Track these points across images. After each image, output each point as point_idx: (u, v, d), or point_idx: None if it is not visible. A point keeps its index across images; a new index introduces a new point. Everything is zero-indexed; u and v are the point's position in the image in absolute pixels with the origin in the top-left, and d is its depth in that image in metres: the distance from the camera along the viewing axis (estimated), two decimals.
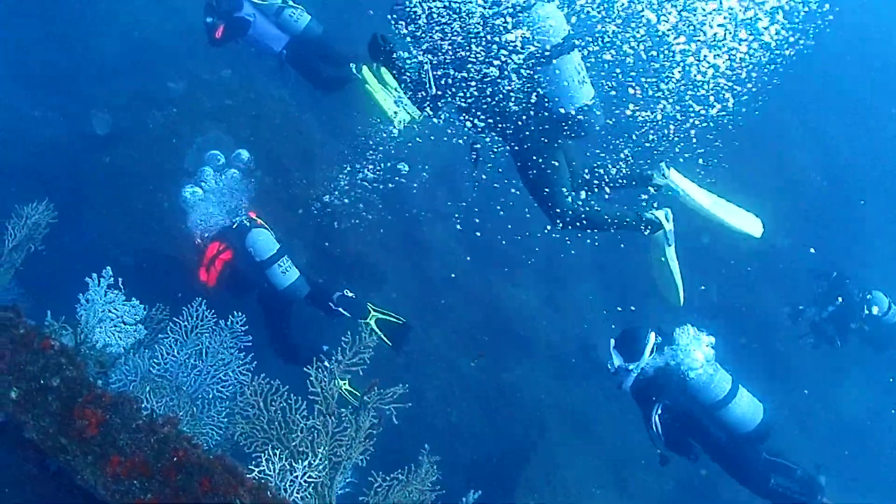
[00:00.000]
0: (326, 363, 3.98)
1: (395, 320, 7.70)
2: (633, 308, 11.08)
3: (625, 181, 6.08)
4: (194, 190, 7.94)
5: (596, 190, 6.04)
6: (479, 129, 5.46)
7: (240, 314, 4.43)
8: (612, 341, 6.40)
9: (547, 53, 5.01)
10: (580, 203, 5.60)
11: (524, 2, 4.91)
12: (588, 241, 11.23)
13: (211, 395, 4.07)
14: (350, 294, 7.77)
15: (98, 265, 9.56)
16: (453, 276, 11.40)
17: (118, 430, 3.61)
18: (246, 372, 4.24)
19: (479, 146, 5.63)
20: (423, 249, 11.45)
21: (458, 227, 11.76)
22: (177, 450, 3.40)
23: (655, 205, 6.18)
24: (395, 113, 8.99)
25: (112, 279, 4.16)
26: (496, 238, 11.72)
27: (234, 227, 7.59)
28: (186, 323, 4.33)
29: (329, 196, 10.17)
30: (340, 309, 7.58)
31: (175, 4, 11.86)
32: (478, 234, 11.23)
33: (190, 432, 3.79)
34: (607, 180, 5.99)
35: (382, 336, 7.26)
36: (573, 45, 5.06)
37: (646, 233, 6.06)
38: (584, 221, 5.58)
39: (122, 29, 11.75)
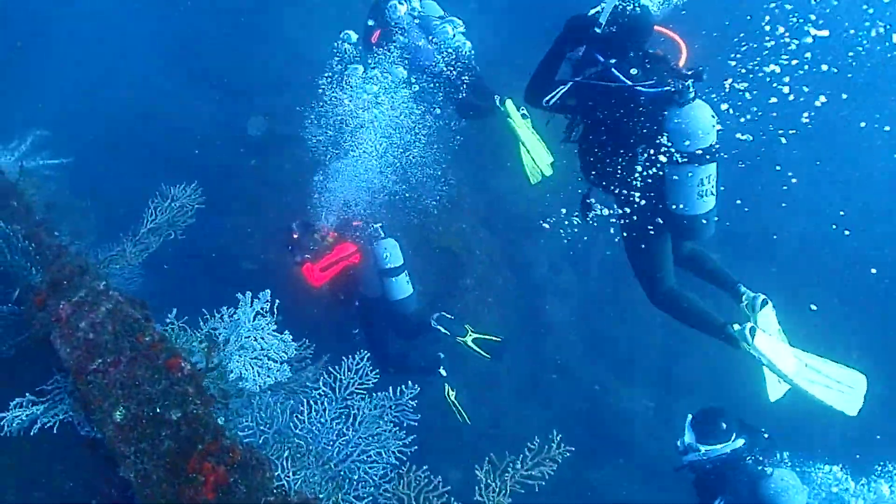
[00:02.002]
0: (499, 470, 2.85)
1: (492, 339, 7.59)
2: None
3: (716, 277, 5.37)
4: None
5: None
6: (598, 185, 5.10)
7: (414, 386, 3.34)
8: (690, 416, 5.69)
9: (684, 160, 4.55)
10: (677, 291, 5.12)
11: (681, 97, 4.45)
12: (705, 352, 10.04)
13: (356, 476, 2.97)
14: (449, 315, 7.64)
15: (221, 266, 9.04)
16: (562, 361, 10.29)
17: (241, 501, 2.55)
18: (402, 455, 3.11)
19: (592, 200, 5.18)
20: (540, 325, 10.33)
21: (579, 310, 10.68)
22: None
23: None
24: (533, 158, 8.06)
25: (267, 304, 3.14)
26: (614, 331, 10.59)
27: (367, 232, 7.36)
28: (341, 376, 3.25)
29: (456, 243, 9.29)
30: (441, 327, 7.45)
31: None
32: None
33: None
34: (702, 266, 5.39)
35: (480, 351, 7.37)
36: (707, 159, 4.54)
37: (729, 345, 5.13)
38: (675, 308, 5.09)
39: (291, 42, 11.26)
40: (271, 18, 11.28)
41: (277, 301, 3.28)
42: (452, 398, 7.63)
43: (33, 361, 3.95)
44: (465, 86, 8.60)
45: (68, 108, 9.53)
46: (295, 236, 7.48)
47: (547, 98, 4.91)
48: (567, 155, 6.39)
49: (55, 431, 3.25)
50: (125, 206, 8.56)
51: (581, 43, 4.84)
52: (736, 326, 4.80)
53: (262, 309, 3.18)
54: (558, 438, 3.46)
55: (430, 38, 8.38)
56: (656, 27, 4.81)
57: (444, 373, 7.68)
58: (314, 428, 3.08)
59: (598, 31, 4.62)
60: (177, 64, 10.74)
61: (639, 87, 4.54)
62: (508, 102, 8.01)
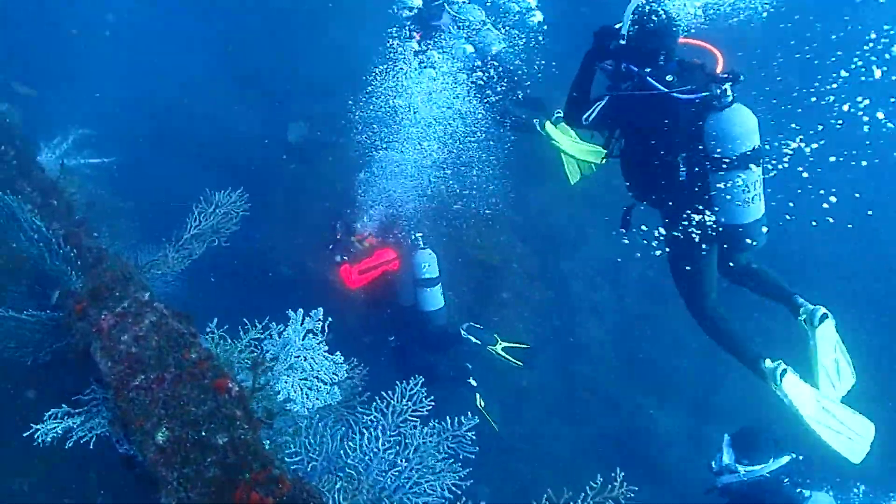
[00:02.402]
0: None
1: (520, 346, 7.47)
2: None
3: (773, 291, 5.01)
4: None
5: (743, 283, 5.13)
6: (643, 199, 4.95)
7: (473, 416, 3.07)
8: (728, 437, 5.47)
9: (726, 165, 4.37)
10: (721, 311, 4.89)
11: (719, 101, 4.31)
12: (742, 378, 9.66)
13: None
14: (478, 325, 7.53)
15: (258, 271, 8.86)
16: (596, 380, 9.98)
17: None
18: (458, 488, 2.84)
19: (629, 218, 5.10)
20: (575, 342, 10.02)
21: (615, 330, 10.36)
22: None
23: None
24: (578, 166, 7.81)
25: (319, 324, 2.90)
26: (650, 351, 10.22)
27: (409, 241, 7.30)
28: (394, 402, 3.00)
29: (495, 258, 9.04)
30: (471, 337, 7.34)
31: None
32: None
33: None
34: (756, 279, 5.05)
35: (511, 359, 7.28)
36: (750, 162, 4.34)
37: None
38: (714, 328, 4.87)
39: (337, 49, 11.10)
40: (319, 24, 11.12)
41: (330, 319, 3.05)
42: (482, 407, 7.42)
43: (70, 367, 3.77)
44: (508, 95, 8.35)
45: (112, 107, 9.44)
46: (338, 236, 7.41)
47: (585, 115, 4.82)
48: (607, 171, 6.20)
49: (91, 447, 3.05)
50: (166, 207, 8.48)
51: (609, 56, 4.74)
52: (768, 363, 4.62)
53: (313, 327, 2.94)
54: (621, 476, 3.17)
55: (473, 43, 8.13)
56: (690, 40, 4.69)
57: (474, 382, 7.44)
58: (366, 457, 2.83)
59: (622, 41, 4.57)
60: (222, 66, 10.62)
61: (675, 94, 4.40)
62: (548, 125, 7.75)
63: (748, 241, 4.56)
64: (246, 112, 9.99)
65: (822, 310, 4.60)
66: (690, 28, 4.69)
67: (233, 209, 4.28)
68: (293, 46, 10.94)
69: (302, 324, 2.92)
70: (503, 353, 7.34)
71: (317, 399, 2.91)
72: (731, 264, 4.94)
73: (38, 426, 3.15)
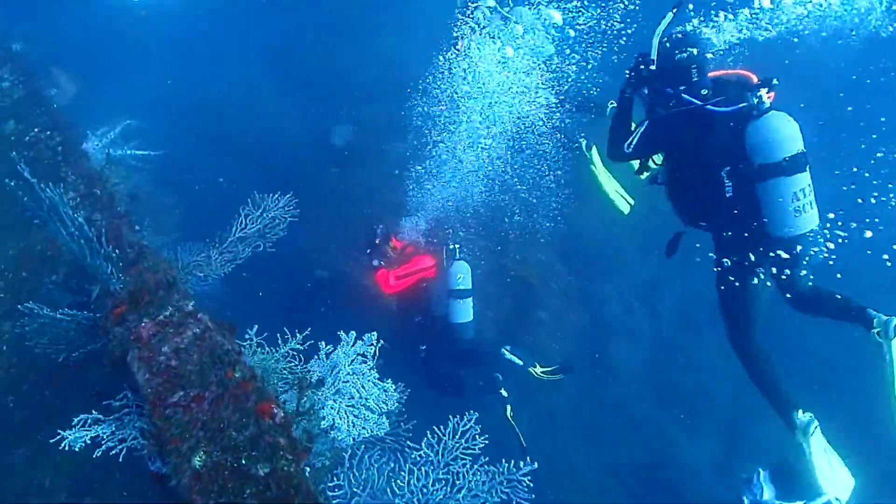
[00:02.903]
0: None
1: (555, 377, 7.18)
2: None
3: (842, 310, 4.60)
4: None
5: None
6: (694, 223, 4.79)
7: (530, 462, 2.80)
8: (765, 472, 5.02)
9: (769, 170, 4.23)
10: (766, 349, 4.61)
11: (756, 109, 4.22)
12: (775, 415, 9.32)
13: None
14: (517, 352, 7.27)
15: (295, 272, 8.67)
16: (626, 405, 9.68)
17: None
18: None
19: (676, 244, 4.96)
20: (607, 366, 9.70)
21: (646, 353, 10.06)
22: None
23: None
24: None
25: (372, 349, 2.65)
26: (683, 380, 9.94)
27: (445, 251, 7.09)
28: (445, 438, 2.73)
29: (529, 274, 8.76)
30: (514, 357, 7.11)
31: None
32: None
33: None
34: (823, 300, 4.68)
35: (551, 375, 7.06)
36: (796, 168, 4.17)
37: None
38: (756, 367, 4.60)
39: (386, 55, 10.93)
40: (369, 30, 10.97)
41: (381, 342, 2.80)
42: (511, 417, 7.06)
43: (102, 368, 3.57)
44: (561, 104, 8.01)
45: (160, 100, 9.33)
46: (377, 241, 7.21)
47: (627, 142, 4.72)
48: (651, 195, 5.95)
49: (121, 460, 2.83)
50: (209, 203, 8.32)
51: (644, 83, 4.70)
52: (801, 416, 4.40)
53: (364, 351, 2.69)
54: None
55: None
56: (722, 72, 4.61)
57: (505, 393, 7.15)
58: (415, 496, 2.57)
59: (653, 67, 4.54)
60: (272, 65, 10.50)
61: (711, 107, 4.33)
62: (594, 151, 7.46)
63: (801, 253, 4.32)
64: (293, 113, 9.86)
65: None
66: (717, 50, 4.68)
67: (281, 214, 4.04)
68: (344, 50, 10.82)
69: (353, 346, 2.66)
70: (543, 375, 7.12)
71: (363, 428, 2.66)
72: (789, 295, 4.63)
73: (67, 433, 2.95)
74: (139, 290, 2.81)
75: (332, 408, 2.62)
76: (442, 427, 2.76)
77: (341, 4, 11.06)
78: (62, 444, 2.92)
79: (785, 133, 4.20)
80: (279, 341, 3.62)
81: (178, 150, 8.04)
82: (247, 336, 3.64)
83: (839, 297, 4.61)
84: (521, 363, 7.10)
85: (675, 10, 4.47)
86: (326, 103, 10.06)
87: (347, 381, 2.66)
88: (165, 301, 2.74)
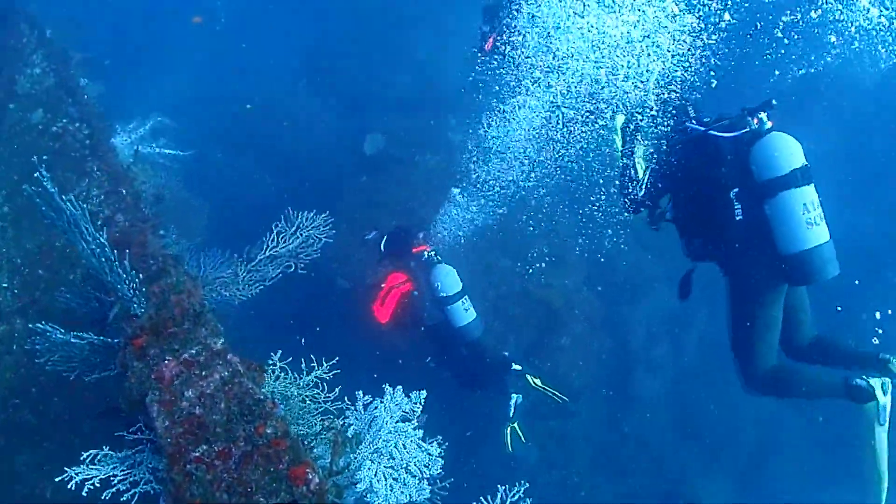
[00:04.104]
0: None
1: (557, 395, 6.78)
2: None
3: (851, 357, 4.57)
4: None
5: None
6: (703, 256, 4.71)
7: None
8: None
9: (776, 183, 4.20)
10: (783, 367, 4.54)
11: (757, 131, 4.30)
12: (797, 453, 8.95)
13: None
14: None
15: (316, 281, 8.36)
16: (644, 437, 9.45)
17: None
18: None
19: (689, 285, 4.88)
20: (628, 396, 9.37)
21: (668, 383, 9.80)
22: None
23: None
24: None
25: (415, 406, 2.33)
26: (704, 414, 9.72)
27: (424, 258, 6.80)
28: None
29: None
30: (519, 367, 6.77)
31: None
32: None
33: None
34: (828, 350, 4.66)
35: (554, 392, 6.67)
36: (802, 181, 4.17)
37: (854, 402, 4.41)
38: (779, 386, 4.53)
39: (420, 66, 10.65)
40: (405, 40, 10.69)
41: (425, 394, 2.47)
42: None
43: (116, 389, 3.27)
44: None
45: (192, 98, 9.09)
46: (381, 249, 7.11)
47: (639, 184, 4.77)
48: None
49: None
50: (237, 206, 8.08)
51: (633, 137, 4.83)
52: (862, 379, 4.29)
53: (410, 409, 2.36)
54: None
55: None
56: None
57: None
58: None
59: (654, 111, 4.73)
60: (306, 70, 10.24)
61: (713, 132, 4.43)
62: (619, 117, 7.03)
63: (814, 270, 4.21)
64: (325, 117, 9.60)
65: None
66: None
67: (315, 234, 3.71)
68: (380, 59, 10.57)
69: (396, 400, 2.33)
70: (543, 387, 6.72)
71: (401, 493, 2.32)
72: (788, 350, 4.65)
73: (75, 470, 2.63)
74: (162, 321, 2.48)
75: (369, 468, 2.29)
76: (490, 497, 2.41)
77: (379, 11, 10.81)
78: (69, 485, 2.61)
79: (788, 148, 4.21)
80: (302, 365, 3.32)
81: (208, 150, 7.78)
82: (270, 361, 3.34)
83: (848, 343, 4.59)
84: (519, 368, 6.76)
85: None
86: (360, 110, 9.81)
87: (388, 441, 2.33)
88: (191, 336, 2.42)
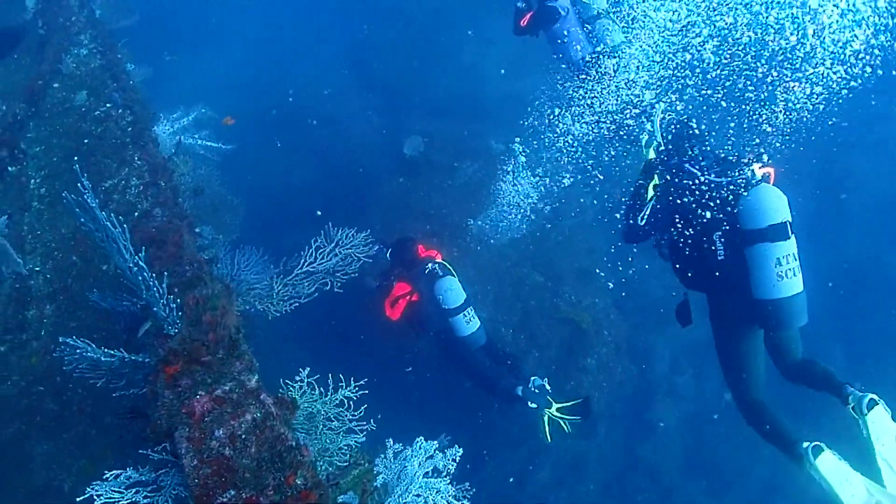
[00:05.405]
0: None
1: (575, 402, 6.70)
2: None
3: (817, 381, 4.70)
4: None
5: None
6: (688, 283, 4.91)
7: None
8: None
9: (756, 236, 4.43)
10: (767, 402, 4.71)
11: (747, 181, 4.54)
12: (806, 493, 8.79)
13: None
14: (535, 390, 6.79)
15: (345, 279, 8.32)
16: (657, 466, 9.31)
17: None
18: None
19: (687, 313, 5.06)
20: (645, 423, 9.21)
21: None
22: None
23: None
24: None
25: (441, 456, 2.22)
26: (719, 448, 9.55)
27: (427, 272, 6.79)
28: None
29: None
30: (528, 401, 6.60)
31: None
32: None
33: None
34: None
35: (569, 419, 6.55)
36: (779, 235, 4.40)
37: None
38: (751, 419, 4.71)
39: (464, 71, 10.53)
40: (450, 45, 10.58)
41: (461, 451, 2.36)
42: (556, 414, 6.60)
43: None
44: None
45: (237, 92, 9.04)
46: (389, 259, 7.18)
47: (640, 216, 4.96)
48: None
49: None
50: (274, 203, 8.03)
51: (657, 165, 5.06)
52: (805, 445, 4.34)
53: (444, 464, 2.25)
54: None
55: (587, 29, 7.17)
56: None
57: (534, 404, 6.52)
58: None
59: (662, 147, 5.06)
60: (351, 69, 10.17)
61: (707, 177, 4.67)
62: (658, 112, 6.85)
63: (785, 318, 4.44)
64: (367, 116, 9.50)
65: (871, 396, 4.28)
66: None
67: (354, 253, 3.61)
68: (425, 62, 10.47)
69: (421, 451, 2.22)
70: (559, 415, 6.57)
71: None
72: (780, 366, 4.77)
73: (98, 487, 2.56)
74: (196, 349, 2.39)
75: None
76: None
77: (426, 14, 10.71)
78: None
79: (771, 203, 4.41)
80: (329, 380, 3.24)
81: (249, 144, 7.71)
82: (297, 378, 3.26)
83: (824, 369, 4.69)
84: (534, 406, 6.57)
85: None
86: (402, 111, 9.70)
87: (420, 496, 2.22)
88: (225, 368, 2.32)
